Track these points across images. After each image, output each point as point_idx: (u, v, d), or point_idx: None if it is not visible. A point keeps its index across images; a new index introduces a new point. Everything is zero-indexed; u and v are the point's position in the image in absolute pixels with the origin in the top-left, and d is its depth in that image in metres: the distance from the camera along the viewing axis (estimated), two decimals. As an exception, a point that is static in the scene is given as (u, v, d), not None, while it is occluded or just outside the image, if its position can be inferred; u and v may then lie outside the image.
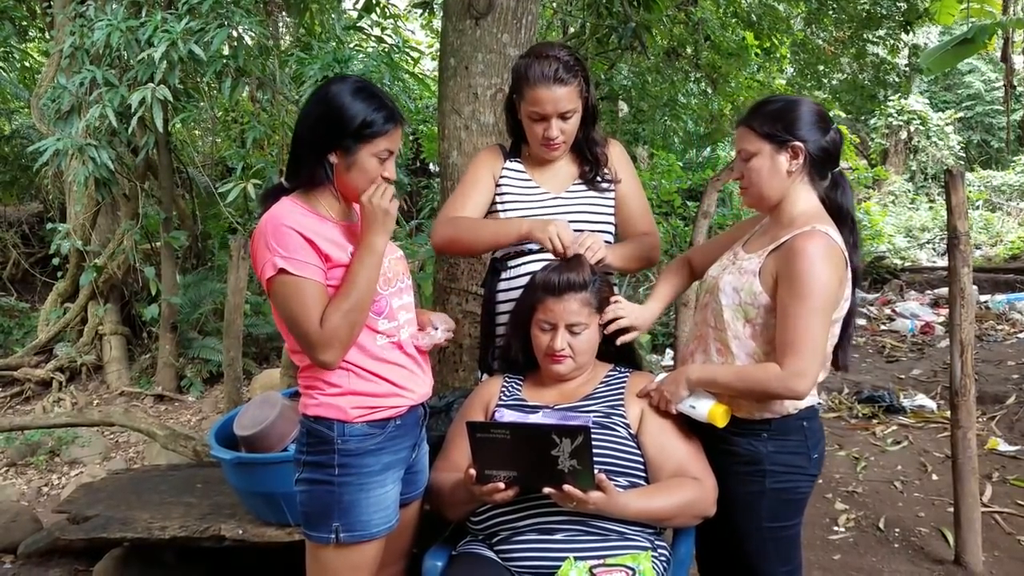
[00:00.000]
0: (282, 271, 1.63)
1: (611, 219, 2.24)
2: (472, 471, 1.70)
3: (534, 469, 1.65)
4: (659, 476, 1.83)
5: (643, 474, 1.84)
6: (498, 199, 2.23)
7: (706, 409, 1.82)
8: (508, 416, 1.91)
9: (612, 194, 2.24)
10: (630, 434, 1.87)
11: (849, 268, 1.79)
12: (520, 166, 2.25)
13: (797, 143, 1.78)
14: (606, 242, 2.12)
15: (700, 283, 2.07)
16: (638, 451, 1.86)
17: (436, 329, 1.92)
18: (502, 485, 1.68)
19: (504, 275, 2.21)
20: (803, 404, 1.84)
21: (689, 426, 1.90)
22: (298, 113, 1.81)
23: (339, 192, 1.74)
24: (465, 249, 2.31)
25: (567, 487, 1.63)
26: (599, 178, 2.22)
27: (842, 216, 1.83)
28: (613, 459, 1.81)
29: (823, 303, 1.71)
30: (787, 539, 1.89)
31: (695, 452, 1.87)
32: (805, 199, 1.83)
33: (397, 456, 1.78)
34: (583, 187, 2.22)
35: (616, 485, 1.74)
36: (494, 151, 2.31)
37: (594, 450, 1.62)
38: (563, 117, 2.08)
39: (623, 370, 2.04)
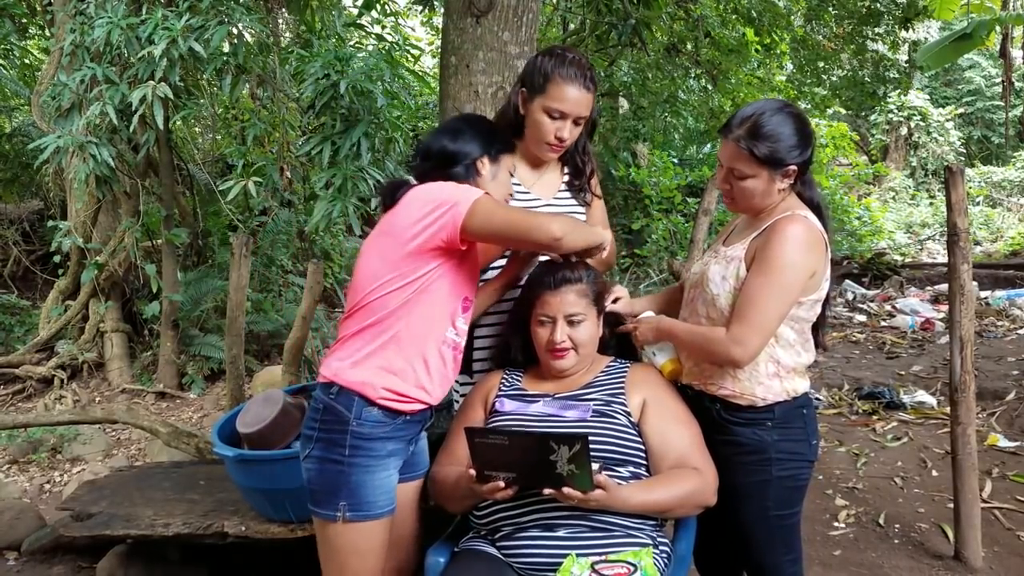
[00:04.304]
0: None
1: None
2: (472, 471, 1.71)
3: (533, 472, 1.66)
4: (661, 466, 1.84)
5: (644, 463, 1.85)
6: None
7: (662, 360, 2.01)
8: (508, 405, 1.93)
9: (585, 208, 2.27)
10: (631, 423, 1.88)
11: (829, 251, 1.84)
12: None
13: (793, 166, 1.82)
14: None
15: (684, 281, 2.09)
16: (639, 440, 1.86)
17: None
18: (502, 484, 1.69)
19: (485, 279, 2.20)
20: (800, 391, 1.89)
21: (690, 416, 1.92)
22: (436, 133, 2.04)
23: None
24: None
25: (566, 489, 1.64)
26: (583, 190, 2.25)
27: (813, 206, 1.89)
28: (614, 448, 1.82)
29: (786, 284, 1.76)
30: (791, 527, 1.94)
31: (696, 442, 1.88)
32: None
33: (399, 445, 1.84)
34: (568, 195, 2.24)
35: (618, 475, 1.75)
36: None
37: (595, 439, 1.63)
38: (576, 122, 2.08)
39: (624, 361, 2.05)
